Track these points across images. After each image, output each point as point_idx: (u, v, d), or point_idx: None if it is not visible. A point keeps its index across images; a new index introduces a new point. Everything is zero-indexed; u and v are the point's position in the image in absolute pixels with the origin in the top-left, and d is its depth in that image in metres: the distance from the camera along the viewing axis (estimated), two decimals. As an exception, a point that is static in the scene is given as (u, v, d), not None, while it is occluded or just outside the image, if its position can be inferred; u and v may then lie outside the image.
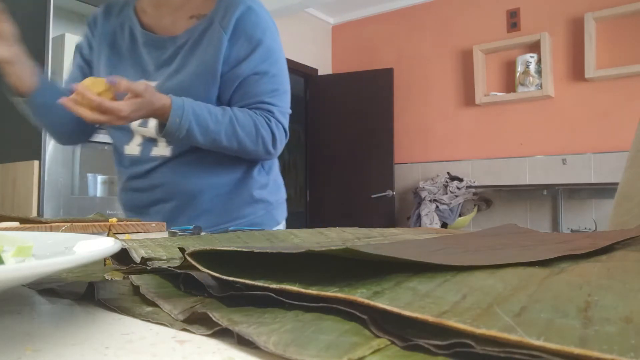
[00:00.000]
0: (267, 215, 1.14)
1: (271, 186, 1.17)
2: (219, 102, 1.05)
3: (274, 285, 0.24)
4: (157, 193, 1.07)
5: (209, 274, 0.26)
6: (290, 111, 1.10)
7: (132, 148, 1.10)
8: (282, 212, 1.20)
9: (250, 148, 1.03)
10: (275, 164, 1.22)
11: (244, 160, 1.10)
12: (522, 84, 3.88)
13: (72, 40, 2.42)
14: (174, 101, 0.94)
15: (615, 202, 0.73)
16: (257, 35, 1.04)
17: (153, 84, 1.03)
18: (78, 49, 1.17)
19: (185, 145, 1.03)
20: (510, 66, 4.01)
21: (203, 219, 1.05)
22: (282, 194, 1.22)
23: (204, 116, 0.96)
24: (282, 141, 1.07)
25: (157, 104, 0.92)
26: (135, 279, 0.31)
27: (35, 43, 2.30)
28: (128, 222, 0.67)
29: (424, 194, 4.02)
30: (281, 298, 0.24)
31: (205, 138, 0.97)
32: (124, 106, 0.87)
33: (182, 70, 1.04)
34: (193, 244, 0.44)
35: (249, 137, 1.01)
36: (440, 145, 4.36)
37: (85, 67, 1.16)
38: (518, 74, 3.90)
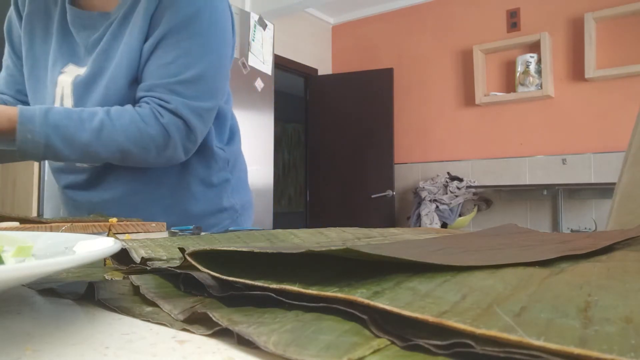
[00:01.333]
0: (233, 225, 1.00)
1: (235, 188, 1.01)
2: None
3: (274, 285, 0.24)
4: (100, 211, 0.90)
5: (209, 274, 0.26)
6: (209, 104, 0.86)
7: None
8: (248, 218, 1.04)
9: (140, 156, 0.83)
10: (239, 155, 1.04)
11: (196, 162, 0.94)
12: (522, 84, 3.88)
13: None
14: (20, 112, 0.76)
15: (618, 202, 0.71)
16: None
17: (82, 71, 0.89)
18: (8, 38, 0.99)
19: None
20: (510, 66, 4.01)
21: None
22: (248, 195, 1.05)
23: (66, 125, 0.78)
24: (182, 139, 0.84)
25: (3, 118, 0.75)
26: (135, 279, 0.31)
27: None
28: (128, 222, 0.67)
29: (424, 194, 4.02)
30: (281, 298, 0.24)
31: (74, 152, 0.79)
32: None
33: (110, 52, 0.86)
34: (193, 244, 0.44)
35: (131, 141, 0.81)
36: (440, 145, 4.36)
37: (17, 64, 0.98)
38: (518, 74, 3.90)
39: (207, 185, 0.97)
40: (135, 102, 0.86)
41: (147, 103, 0.83)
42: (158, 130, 0.82)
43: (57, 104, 0.90)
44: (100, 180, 0.92)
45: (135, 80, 0.86)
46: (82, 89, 0.88)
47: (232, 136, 1.03)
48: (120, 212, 0.90)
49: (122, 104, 0.85)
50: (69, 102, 0.89)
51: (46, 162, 2.35)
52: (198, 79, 0.84)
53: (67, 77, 0.90)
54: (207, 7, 0.85)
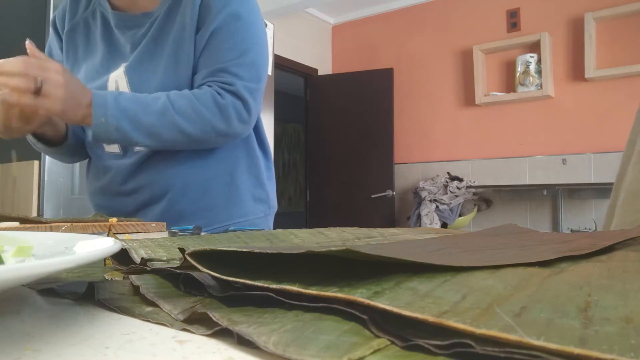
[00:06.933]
0: (264, 220, 1.04)
1: (270, 188, 1.06)
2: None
3: (274, 285, 0.24)
4: (144, 194, 0.96)
5: (209, 274, 0.26)
6: (261, 86, 0.94)
7: (112, 145, 0.99)
8: (271, 222, 1.09)
9: (198, 136, 0.89)
10: (270, 161, 1.09)
11: (241, 150, 1.00)
12: (522, 84, 3.88)
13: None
14: (94, 97, 0.81)
15: (622, 200, 0.69)
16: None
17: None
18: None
19: None
20: (510, 66, 4.01)
21: (199, 218, 0.95)
22: (275, 202, 1.10)
23: (133, 109, 0.84)
24: (240, 118, 0.91)
25: (85, 100, 0.80)
26: (135, 279, 0.31)
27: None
28: (128, 222, 0.67)
29: (424, 194, 4.02)
30: (281, 298, 0.24)
31: (141, 135, 0.85)
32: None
33: (158, 41, 0.93)
34: (193, 244, 0.44)
35: (190, 123, 0.87)
36: (440, 145, 4.36)
37: None
38: (518, 74, 3.90)
39: (248, 174, 1.02)
40: (193, 87, 0.92)
41: (210, 86, 0.89)
42: (215, 111, 0.88)
43: None
44: (144, 167, 0.97)
45: (192, 66, 0.92)
46: (137, 75, 0.93)
47: (261, 136, 1.08)
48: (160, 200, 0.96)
49: (180, 89, 0.91)
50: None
51: (46, 163, 2.35)
52: (253, 63, 0.92)
53: (119, 71, 0.94)
54: (251, 3, 0.95)
